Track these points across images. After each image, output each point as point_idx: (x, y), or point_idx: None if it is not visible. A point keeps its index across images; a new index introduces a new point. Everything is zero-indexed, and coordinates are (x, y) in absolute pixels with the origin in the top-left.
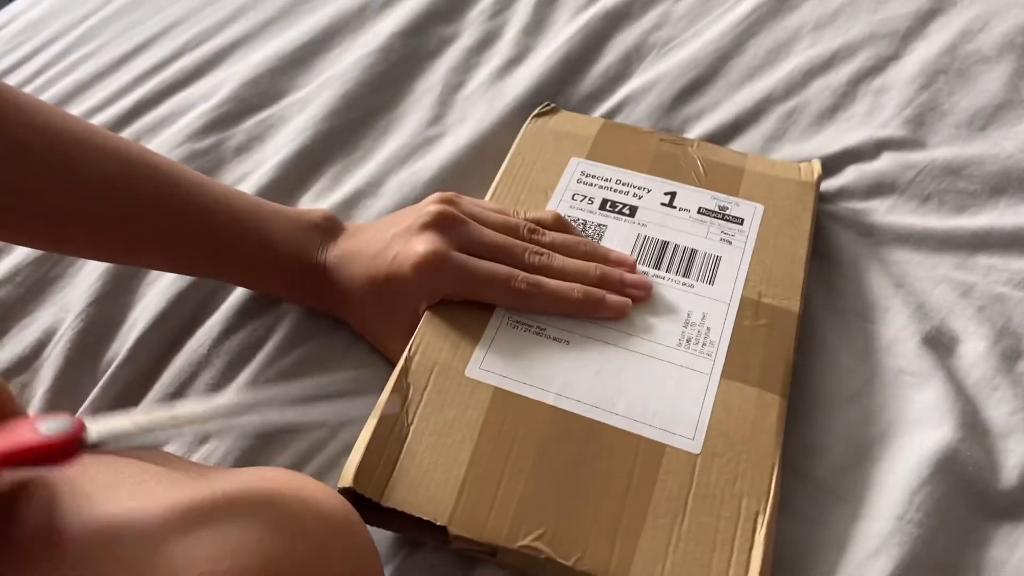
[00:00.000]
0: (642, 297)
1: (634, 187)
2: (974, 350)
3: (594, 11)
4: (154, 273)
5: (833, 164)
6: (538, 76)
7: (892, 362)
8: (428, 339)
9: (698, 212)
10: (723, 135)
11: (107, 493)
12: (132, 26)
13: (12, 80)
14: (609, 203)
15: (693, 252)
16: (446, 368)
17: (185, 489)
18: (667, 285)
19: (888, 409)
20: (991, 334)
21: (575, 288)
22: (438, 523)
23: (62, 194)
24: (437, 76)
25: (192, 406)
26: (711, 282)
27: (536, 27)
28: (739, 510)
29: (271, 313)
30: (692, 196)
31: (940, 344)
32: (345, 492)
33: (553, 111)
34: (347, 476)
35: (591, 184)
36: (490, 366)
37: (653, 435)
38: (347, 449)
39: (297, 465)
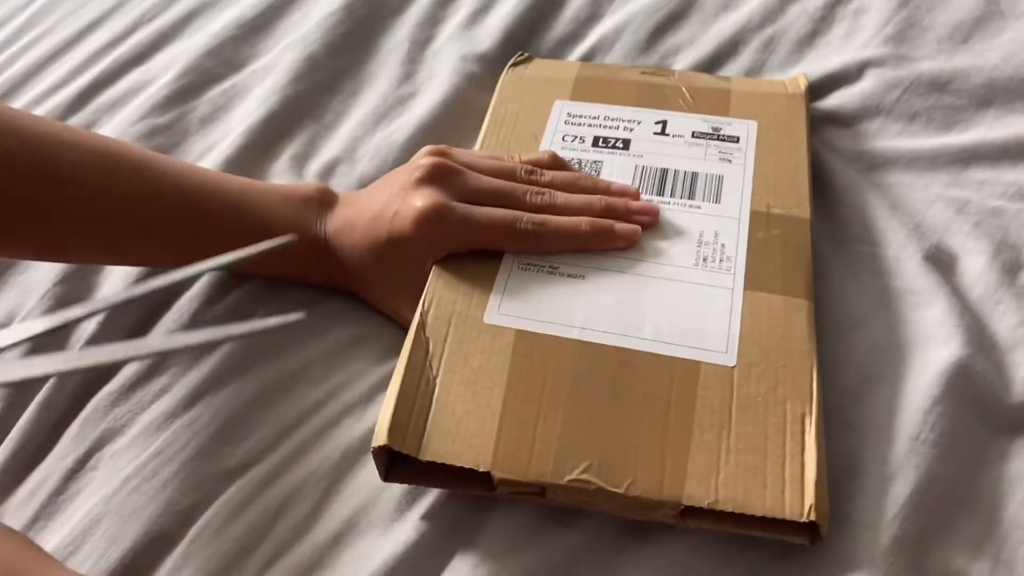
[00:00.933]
0: (650, 223)
1: (623, 121)
2: (974, 266)
3: None
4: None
5: (816, 90)
6: (506, 26)
7: (895, 283)
8: (440, 293)
9: (692, 136)
10: (703, 69)
11: None
12: (83, 3)
13: None
14: (601, 139)
15: (695, 175)
16: (463, 318)
17: None
18: (674, 210)
19: (894, 331)
20: (990, 248)
21: (582, 222)
22: (481, 469)
23: (49, 196)
24: (403, 33)
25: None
26: (717, 200)
27: None
28: (784, 415)
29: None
30: (683, 122)
31: (940, 262)
32: (379, 452)
33: (528, 60)
34: (380, 435)
35: (580, 124)
36: (508, 310)
37: (685, 354)
38: (347, 409)
39: (290, 428)
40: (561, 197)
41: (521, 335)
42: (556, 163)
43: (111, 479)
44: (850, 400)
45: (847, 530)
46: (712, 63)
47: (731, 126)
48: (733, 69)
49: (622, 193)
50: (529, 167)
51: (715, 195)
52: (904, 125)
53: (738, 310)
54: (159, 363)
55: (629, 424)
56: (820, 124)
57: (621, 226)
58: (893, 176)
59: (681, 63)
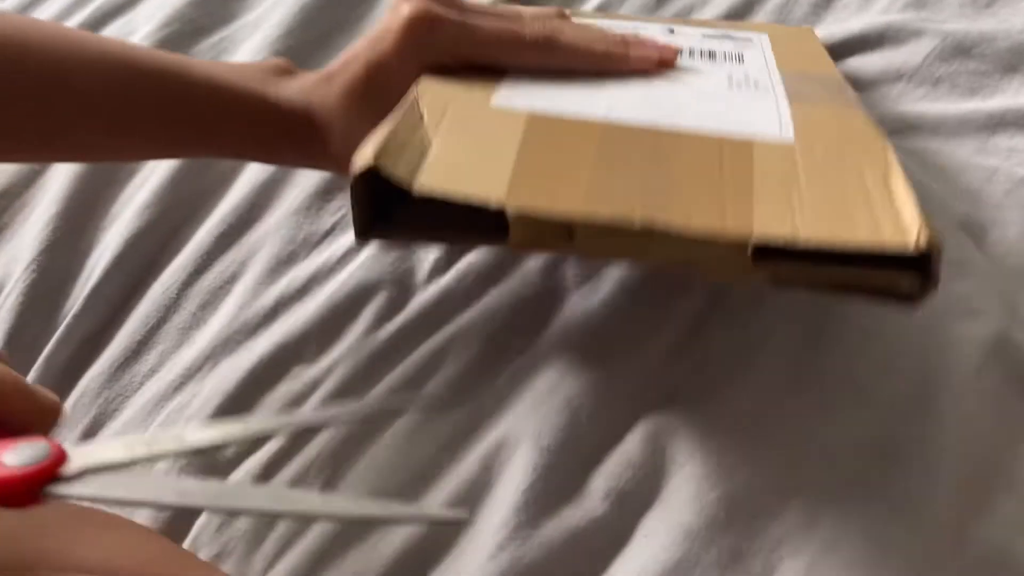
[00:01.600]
0: (670, 59)
1: (628, 26)
2: (1006, 236)
3: None
4: (112, 214)
5: (835, 54)
6: None
7: None
8: (433, 85)
9: (703, 36)
10: None
11: None
12: None
13: None
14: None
15: (712, 51)
16: (465, 102)
17: None
18: (696, 63)
19: (929, 303)
20: (1021, 219)
21: (597, 40)
22: (493, 203)
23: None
24: None
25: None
26: (740, 61)
27: None
28: (863, 178)
29: (243, 246)
30: (692, 29)
31: (971, 232)
32: (359, 184)
33: None
34: (365, 155)
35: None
36: (520, 96)
37: (734, 134)
38: (345, 385)
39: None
40: (570, 27)
41: (535, 118)
42: (563, 17)
43: None
44: (885, 373)
45: (889, 508)
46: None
47: (742, 32)
48: None
49: (637, 38)
50: (535, 9)
51: (738, 58)
52: (928, 90)
53: (786, 108)
54: (147, 338)
55: (674, 178)
56: None
57: (637, 51)
58: (918, 142)
59: None
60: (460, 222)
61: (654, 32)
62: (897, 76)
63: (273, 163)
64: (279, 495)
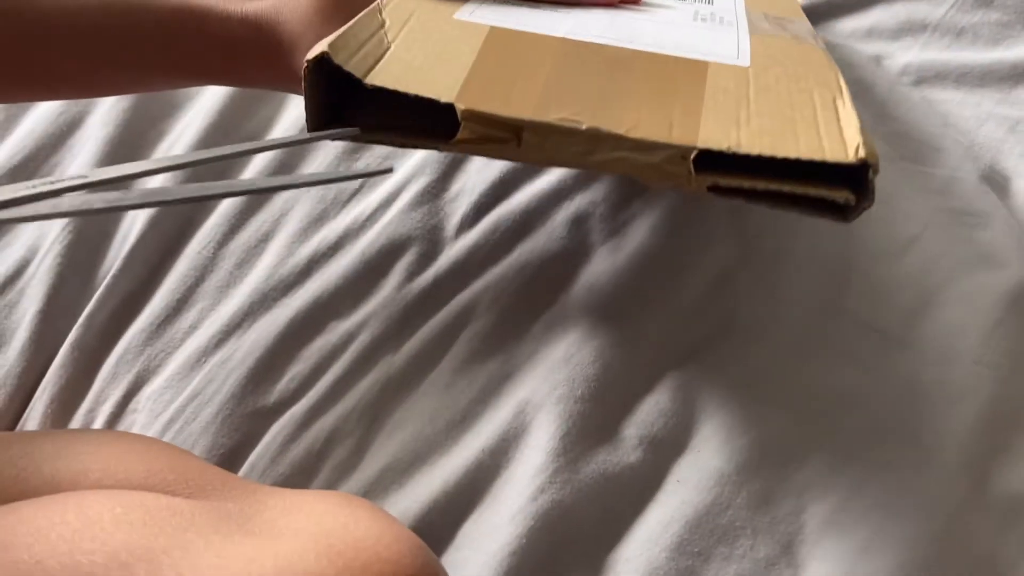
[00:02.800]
0: None
1: None
2: None
3: None
4: (142, 179)
5: (859, 3)
6: None
7: (949, 203)
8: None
9: None
10: None
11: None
12: None
13: None
14: None
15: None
16: (430, 13)
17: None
18: (663, 2)
19: (951, 252)
20: None
21: None
22: (443, 100)
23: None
24: None
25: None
26: (710, 2)
27: None
28: (812, 99)
29: (275, 205)
30: None
31: (994, 183)
32: (314, 73)
33: None
34: (317, 48)
35: None
36: (483, 13)
37: (692, 56)
38: (380, 342)
39: (324, 364)
40: None
41: (496, 31)
42: None
43: (153, 423)
44: (907, 321)
45: (912, 453)
46: None
47: None
48: None
49: None
50: None
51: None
52: (951, 40)
53: (746, 39)
54: (186, 296)
55: (627, 90)
56: (863, 37)
57: None
58: (942, 92)
59: None
60: (411, 124)
61: None
62: (922, 27)
63: (244, 84)
64: (204, 186)
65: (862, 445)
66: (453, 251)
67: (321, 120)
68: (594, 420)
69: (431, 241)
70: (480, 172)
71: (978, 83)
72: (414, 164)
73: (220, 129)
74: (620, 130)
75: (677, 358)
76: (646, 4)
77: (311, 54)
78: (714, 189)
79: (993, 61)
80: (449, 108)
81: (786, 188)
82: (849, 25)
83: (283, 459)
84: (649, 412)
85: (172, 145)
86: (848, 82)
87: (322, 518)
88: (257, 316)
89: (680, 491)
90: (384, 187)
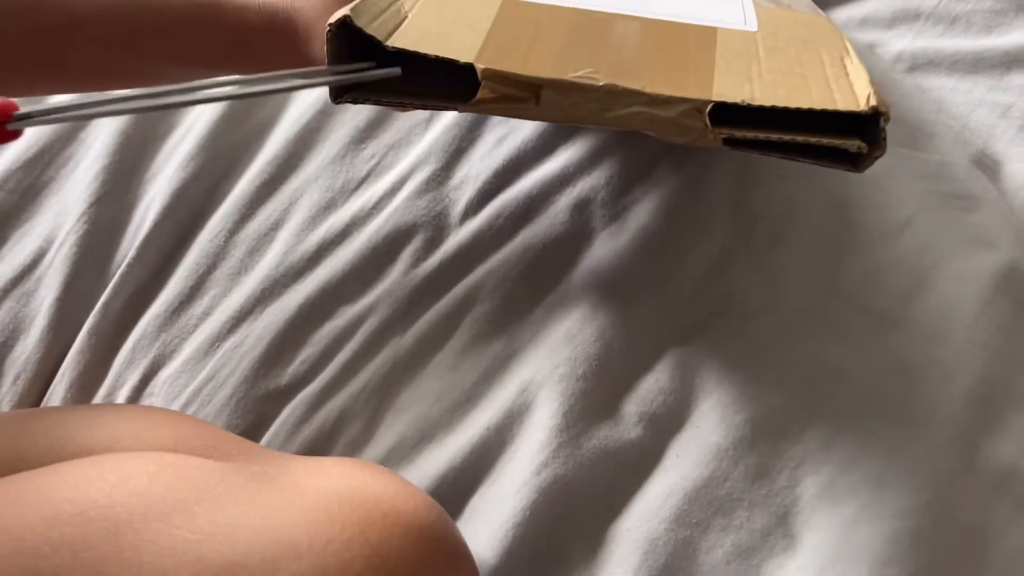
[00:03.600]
0: None
1: None
2: (1018, 171)
3: None
4: (156, 167)
5: None
6: None
7: (942, 187)
8: None
9: None
10: None
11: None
12: None
13: None
14: None
15: None
16: None
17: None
18: None
19: (943, 234)
20: None
21: None
22: (463, 60)
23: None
24: None
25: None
26: None
27: None
28: (820, 59)
29: (284, 194)
30: None
31: (985, 167)
32: (335, 39)
33: None
34: (339, 11)
35: None
36: None
37: (700, 23)
38: (387, 325)
39: (333, 347)
40: None
41: (509, 2)
42: None
43: (169, 406)
44: (901, 302)
45: (904, 428)
46: None
47: None
48: None
49: None
50: None
51: None
52: (944, 28)
53: (751, 7)
54: (199, 283)
55: (640, 52)
56: (858, 26)
57: None
58: (935, 79)
59: None
60: (431, 87)
61: None
62: (915, 15)
63: (257, 70)
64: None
65: (855, 421)
66: (458, 237)
67: (341, 88)
68: (595, 398)
69: (436, 227)
70: (483, 160)
71: (970, 70)
72: (419, 153)
73: (230, 119)
74: (636, 85)
75: (676, 337)
76: None
77: (333, 18)
78: (729, 142)
79: (985, 48)
80: (468, 70)
81: (799, 138)
82: (844, 14)
83: (296, 439)
84: (649, 390)
85: (183, 136)
86: None
87: (341, 478)
88: (268, 302)
89: (679, 465)
90: (390, 175)
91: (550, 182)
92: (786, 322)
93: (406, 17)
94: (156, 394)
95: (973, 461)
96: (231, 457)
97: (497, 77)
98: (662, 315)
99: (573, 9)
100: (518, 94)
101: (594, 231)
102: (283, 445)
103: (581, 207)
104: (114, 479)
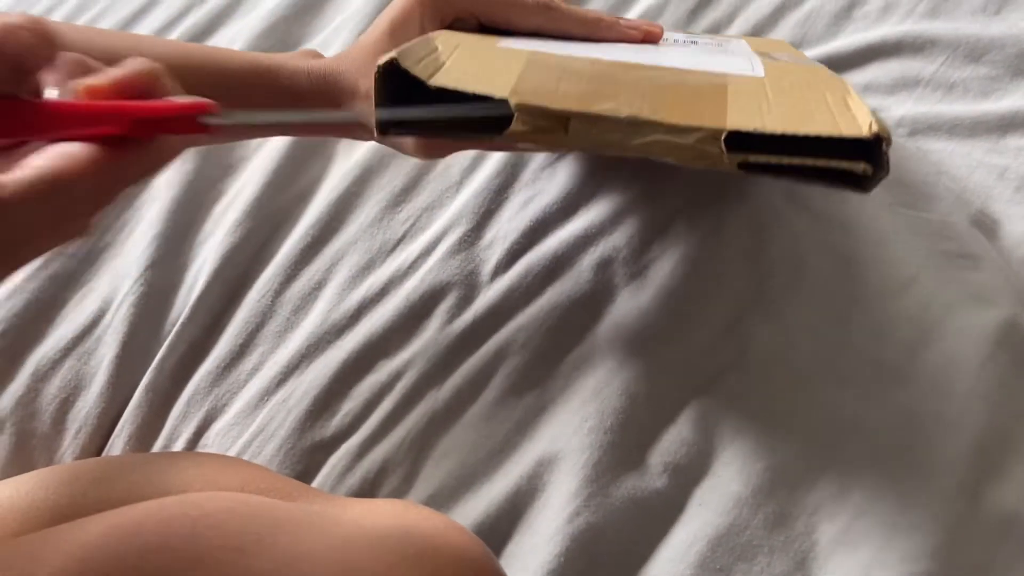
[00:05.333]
0: (656, 32)
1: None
2: (1016, 230)
3: None
4: (205, 232)
5: (856, 60)
6: None
7: (943, 246)
8: (446, 34)
9: (684, 41)
10: None
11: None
12: None
13: None
14: None
15: (695, 41)
16: (475, 42)
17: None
18: (679, 46)
19: (945, 292)
20: None
21: (590, 11)
22: (498, 95)
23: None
24: None
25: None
26: (720, 47)
27: None
28: (825, 98)
29: (326, 256)
30: (673, 35)
31: (984, 227)
32: (382, 79)
33: None
34: (388, 56)
35: None
36: (522, 44)
37: (712, 71)
38: (425, 380)
39: (375, 400)
40: (565, 5)
41: (536, 54)
42: None
43: None
44: (908, 355)
45: (913, 476)
46: (753, 36)
47: (723, 36)
48: None
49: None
50: None
51: (718, 45)
52: (943, 94)
53: (759, 62)
54: (248, 341)
55: (659, 90)
56: (860, 92)
57: (626, 21)
58: (935, 142)
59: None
60: (466, 124)
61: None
62: (915, 81)
63: (309, 132)
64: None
65: (867, 469)
66: (489, 294)
67: (387, 123)
68: (622, 449)
69: (468, 285)
70: (511, 221)
71: (969, 133)
72: (451, 215)
73: (274, 186)
74: (656, 117)
75: (696, 390)
76: (664, 42)
77: (381, 60)
78: (744, 166)
79: (983, 113)
80: (503, 106)
81: (809, 162)
82: (848, 81)
83: (340, 488)
84: (672, 441)
85: (231, 202)
86: None
87: (395, 516)
88: (313, 357)
89: (702, 513)
90: (424, 236)
91: (574, 242)
92: (799, 373)
93: (443, 64)
94: (209, 446)
95: (978, 508)
96: (294, 498)
97: (529, 110)
98: (682, 368)
99: (595, 60)
100: (548, 125)
101: (616, 288)
102: (351, 463)
103: (604, 265)
104: (196, 514)
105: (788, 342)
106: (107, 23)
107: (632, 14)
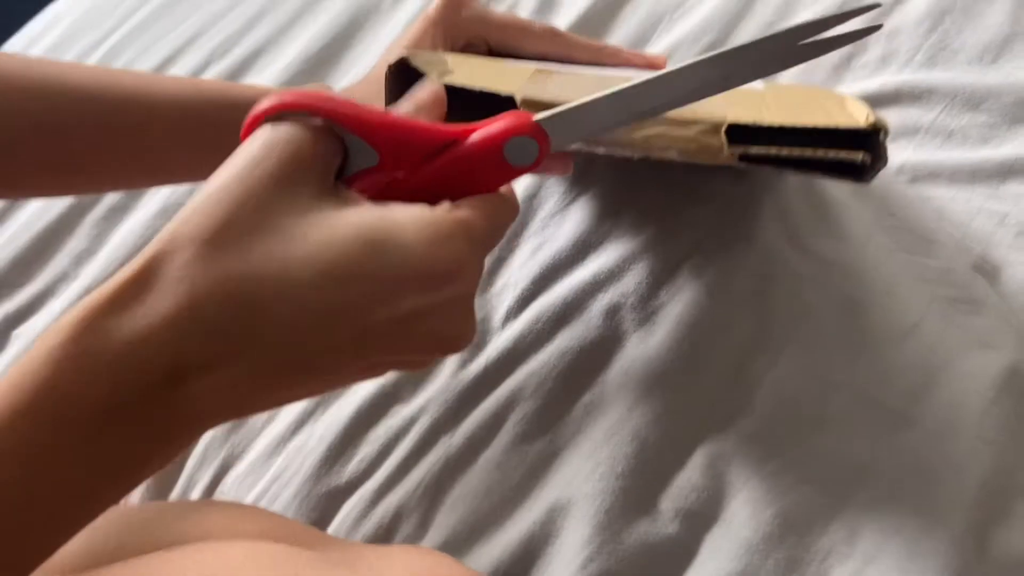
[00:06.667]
0: (659, 62)
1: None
2: (1017, 275)
3: None
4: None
5: None
6: None
7: (946, 292)
8: (457, 58)
9: None
10: None
11: None
12: (154, 41)
13: None
14: None
15: None
16: (484, 60)
17: None
18: None
19: (949, 337)
20: None
21: (596, 41)
22: (504, 93)
23: (60, 109)
24: None
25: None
26: None
27: (547, 7)
28: (821, 102)
29: None
30: None
31: (986, 272)
32: (392, 76)
33: None
34: (397, 54)
35: None
36: (528, 63)
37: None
38: (439, 425)
39: (389, 445)
40: (573, 35)
41: (541, 68)
42: None
43: None
44: (913, 399)
45: (921, 520)
46: None
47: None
48: None
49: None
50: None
51: None
52: (943, 141)
53: (760, 85)
54: None
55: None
56: None
57: (630, 51)
58: (936, 189)
59: None
60: (480, 105)
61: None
62: (915, 129)
63: None
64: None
65: (876, 513)
66: (500, 340)
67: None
68: (634, 494)
69: (481, 332)
70: (521, 268)
71: (969, 180)
72: None
73: None
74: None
75: (705, 435)
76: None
77: (392, 57)
78: (745, 158)
79: (982, 159)
80: (510, 102)
81: (808, 153)
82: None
83: (356, 534)
84: (683, 486)
85: None
86: (854, 188)
87: (411, 563)
88: (328, 403)
89: (714, 559)
90: None
91: (583, 288)
92: (806, 418)
93: (453, 70)
94: (226, 493)
95: (986, 551)
96: (311, 545)
97: (535, 104)
98: (691, 414)
99: (597, 75)
100: None
101: (625, 334)
102: (362, 514)
103: (613, 311)
104: (215, 563)
105: (795, 387)
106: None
107: None
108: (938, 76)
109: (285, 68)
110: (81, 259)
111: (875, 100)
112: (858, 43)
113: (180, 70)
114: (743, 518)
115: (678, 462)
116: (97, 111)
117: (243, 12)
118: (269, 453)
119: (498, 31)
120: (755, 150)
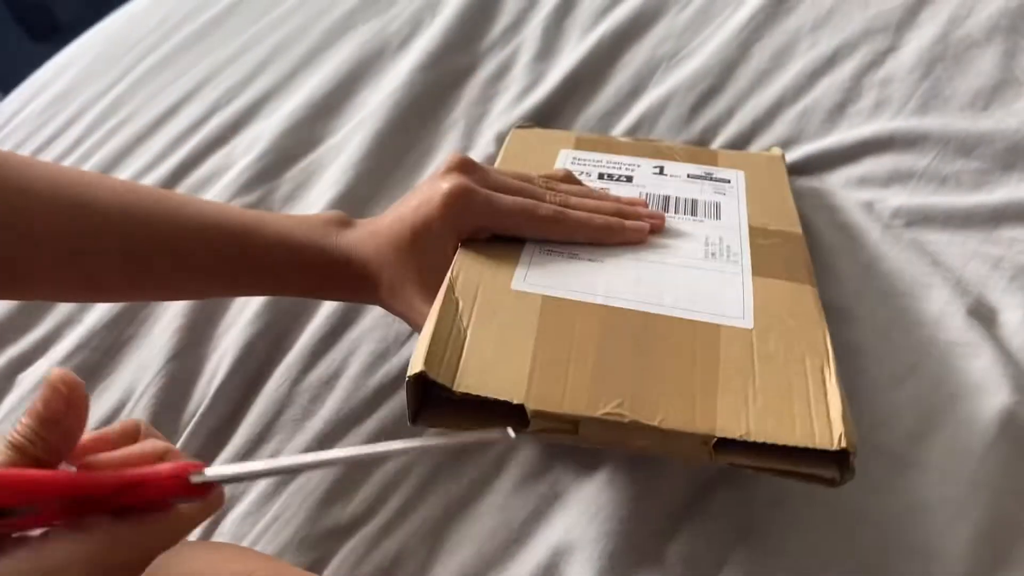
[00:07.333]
0: (659, 226)
1: (624, 164)
2: (1013, 318)
3: (599, 32)
4: (225, 324)
5: (851, 155)
6: (553, 101)
7: (942, 336)
8: (467, 263)
9: (687, 177)
10: (743, 141)
11: None
12: (159, 90)
13: (50, 154)
14: (606, 175)
15: (695, 200)
16: (491, 284)
17: None
18: (679, 221)
19: (947, 380)
20: None
21: (595, 216)
22: (515, 401)
23: (83, 234)
24: (460, 109)
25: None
26: (718, 217)
27: (546, 53)
28: (804, 369)
29: (343, 345)
30: (679, 167)
31: (982, 316)
32: (413, 383)
33: (531, 127)
34: (416, 363)
35: (584, 164)
36: (533, 280)
37: (705, 319)
38: (442, 469)
39: (391, 487)
40: (575, 200)
41: (548, 300)
42: (571, 179)
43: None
44: (911, 443)
45: (923, 564)
46: (751, 134)
47: (722, 173)
48: (770, 139)
49: (632, 203)
50: (546, 179)
51: (715, 213)
52: (936, 187)
53: (749, 288)
54: (266, 430)
55: (657, 371)
56: (856, 185)
57: (631, 222)
58: (931, 234)
59: (722, 135)
60: (490, 408)
61: (646, 172)
62: (909, 175)
63: (331, 300)
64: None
65: (877, 559)
66: None
67: (419, 412)
68: (636, 538)
69: None
70: None
71: (962, 225)
72: None
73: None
74: (654, 422)
75: (710, 479)
76: (665, 238)
77: (411, 371)
78: (730, 464)
79: (975, 204)
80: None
81: (785, 467)
82: (843, 175)
83: None
84: (688, 532)
85: (248, 298)
86: (843, 227)
87: None
88: (330, 445)
89: None
90: None
91: None
92: None
93: (466, 338)
94: (225, 534)
95: None
96: None
97: (543, 416)
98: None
99: (600, 307)
100: (560, 427)
101: None
102: (362, 555)
103: None
104: None
105: None
106: (132, 126)
107: (632, 116)
108: (931, 123)
109: (289, 114)
110: (84, 305)
111: (869, 146)
112: (852, 90)
113: (186, 118)
114: (747, 567)
115: (683, 506)
116: (119, 235)
117: (249, 60)
118: (270, 494)
119: (503, 222)
120: (739, 461)
